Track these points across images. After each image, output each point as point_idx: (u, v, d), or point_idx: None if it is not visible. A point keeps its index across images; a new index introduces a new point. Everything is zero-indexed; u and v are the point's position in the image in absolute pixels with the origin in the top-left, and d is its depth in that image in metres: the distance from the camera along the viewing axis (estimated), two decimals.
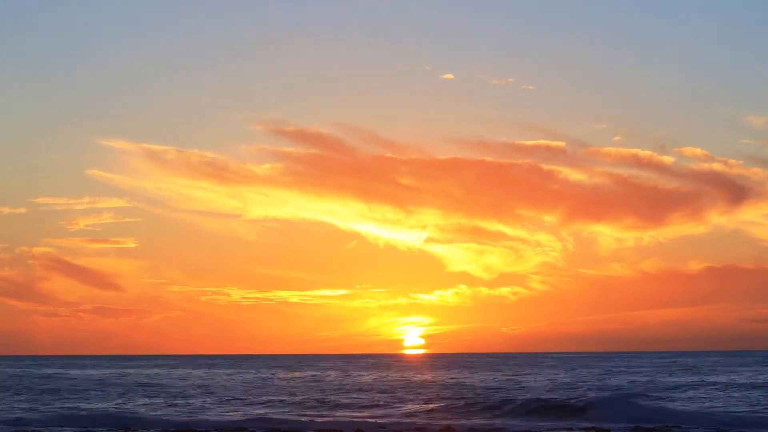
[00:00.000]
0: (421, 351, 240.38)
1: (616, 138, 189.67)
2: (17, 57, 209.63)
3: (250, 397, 61.02)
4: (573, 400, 49.35)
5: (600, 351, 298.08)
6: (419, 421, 43.48)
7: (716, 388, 63.72)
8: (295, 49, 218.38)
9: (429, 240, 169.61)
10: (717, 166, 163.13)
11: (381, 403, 54.24)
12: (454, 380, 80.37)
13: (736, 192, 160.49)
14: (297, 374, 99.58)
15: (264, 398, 59.39)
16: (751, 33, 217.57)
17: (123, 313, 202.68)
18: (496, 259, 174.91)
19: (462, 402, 51.80)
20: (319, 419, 44.96)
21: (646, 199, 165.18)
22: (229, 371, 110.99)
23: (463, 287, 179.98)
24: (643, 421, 40.75)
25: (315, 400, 56.88)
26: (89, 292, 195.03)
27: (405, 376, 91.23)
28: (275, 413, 48.05)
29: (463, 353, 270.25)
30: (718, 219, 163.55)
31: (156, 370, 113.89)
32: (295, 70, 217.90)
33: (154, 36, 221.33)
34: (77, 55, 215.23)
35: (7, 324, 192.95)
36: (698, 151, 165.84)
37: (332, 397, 58.43)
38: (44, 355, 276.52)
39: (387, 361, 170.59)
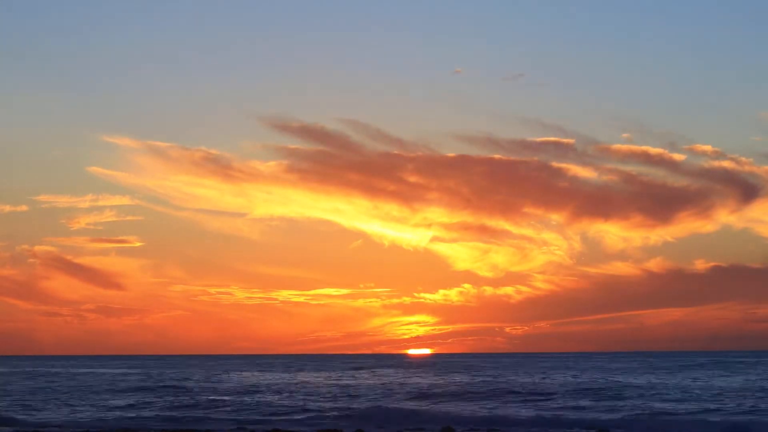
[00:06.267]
0: (425, 351, 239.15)
1: (626, 135, 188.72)
2: (19, 54, 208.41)
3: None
4: None
5: (603, 351, 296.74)
6: None
7: None
8: (300, 44, 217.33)
9: (434, 239, 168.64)
10: (728, 164, 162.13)
11: None
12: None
13: (746, 190, 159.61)
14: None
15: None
16: (762, 29, 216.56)
17: (125, 313, 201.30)
18: (501, 258, 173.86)
19: None
20: None
21: (655, 197, 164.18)
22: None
23: (467, 286, 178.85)
24: None
25: None
26: (91, 292, 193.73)
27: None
28: None
29: (466, 353, 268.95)
30: (727, 217, 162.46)
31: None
32: (300, 65, 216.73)
33: (157, 32, 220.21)
34: (79, 51, 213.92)
35: (8, 324, 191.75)
36: (709, 148, 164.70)
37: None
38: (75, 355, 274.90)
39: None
